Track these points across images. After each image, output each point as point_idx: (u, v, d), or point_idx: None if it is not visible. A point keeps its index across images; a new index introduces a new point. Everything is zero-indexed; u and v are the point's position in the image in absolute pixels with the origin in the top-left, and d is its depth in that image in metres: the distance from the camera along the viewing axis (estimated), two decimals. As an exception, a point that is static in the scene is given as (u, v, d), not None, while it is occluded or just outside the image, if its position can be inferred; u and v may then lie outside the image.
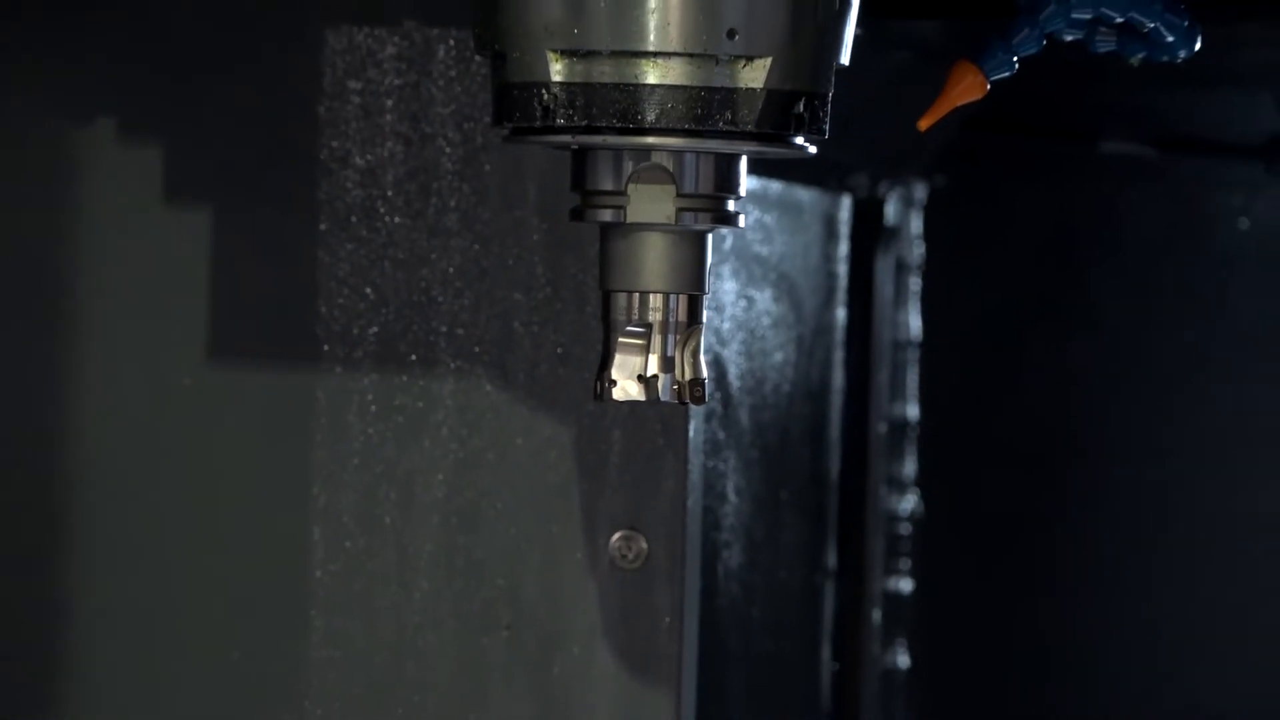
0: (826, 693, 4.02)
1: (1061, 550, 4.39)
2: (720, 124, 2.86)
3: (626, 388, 2.89)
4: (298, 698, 3.45)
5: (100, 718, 3.57)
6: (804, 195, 3.76)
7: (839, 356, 3.96)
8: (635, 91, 2.87)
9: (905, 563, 4.21)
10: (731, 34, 2.84)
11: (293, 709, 3.45)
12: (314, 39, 3.38)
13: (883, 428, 4.06)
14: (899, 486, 4.16)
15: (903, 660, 4.17)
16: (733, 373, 3.56)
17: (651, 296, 2.94)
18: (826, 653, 4.04)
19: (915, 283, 4.14)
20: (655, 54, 2.85)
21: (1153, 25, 3.13)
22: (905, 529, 4.18)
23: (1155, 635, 4.42)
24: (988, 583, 4.31)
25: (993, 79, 3.13)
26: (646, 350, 2.92)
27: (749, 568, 3.73)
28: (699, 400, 2.88)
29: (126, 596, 3.50)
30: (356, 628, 3.45)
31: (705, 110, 2.84)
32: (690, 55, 2.83)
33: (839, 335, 3.96)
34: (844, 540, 4.01)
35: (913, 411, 4.18)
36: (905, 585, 4.18)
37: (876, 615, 4.09)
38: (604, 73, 2.87)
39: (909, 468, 4.18)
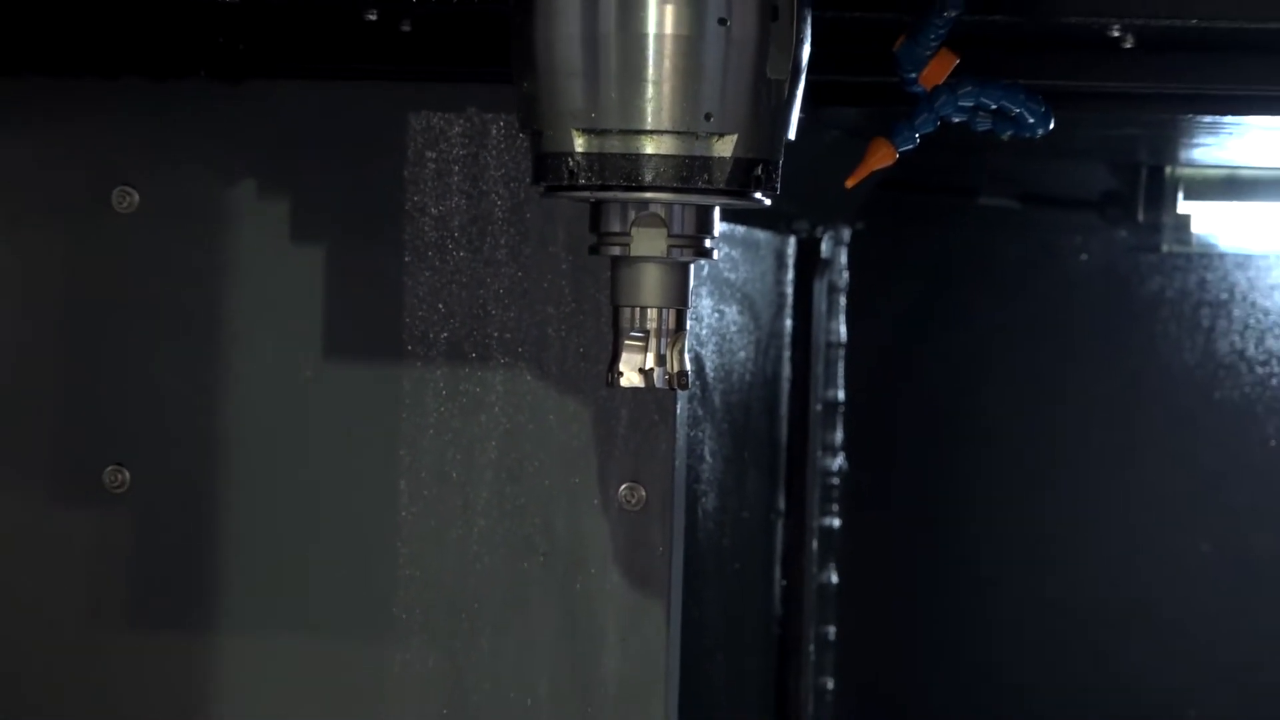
0: (777, 602, 4.06)
1: (953, 495, 4.43)
2: (699, 183, 2.96)
3: (631, 378, 3.00)
4: (388, 605, 3.47)
5: (247, 616, 3.52)
6: (761, 236, 3.82)
7: (786, 355, 4.03)
8: (637, 159, 2.95)
9: (834, 506, 4.26)
10: (708, 117, 2.93)
11: (385, 614, 3.46)
12: (402, 121, 3.44)
13: (819, 407, 4.11)
14: (831, 450, 4.21)
15: (833, 578, 4.19)
16: (708, 366, 3.60)
17: (649, 310, 3.04)
18: (777, 573, 4.09)
19: (842, 300, 4.18)
20: (651, 131, 2.93)
21: (1018, 110, 3.25)
22: (835, 481, 4.23)
23: (1022, 546, 4.45)
24: (896, 521, 4.34)
25: (900, 150, 3.27)
26: (645, 350, 3.03)
27: (720, 509, 3.77)
28: (684, 386, 3.02)
29: (268, 527, 3.51)
30: (431, 555, 3.48)
31: (688, 173, 2.94)
32: (677, 133, 2.93)
33: (786, 339, 4.03)
34: (790, 489, 4.07)
35: (840, 395, 4.22)
36: (835, 523, 4.22)
37: (814, 545, 4.13)
38: (614, 145, 2.95)
39: (838, 436, 4.23)
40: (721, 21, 2.95)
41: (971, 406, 4.42)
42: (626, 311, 3.07)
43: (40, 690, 3.55)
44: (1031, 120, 3.29)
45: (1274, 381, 4.31)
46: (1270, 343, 4.28)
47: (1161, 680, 4.37)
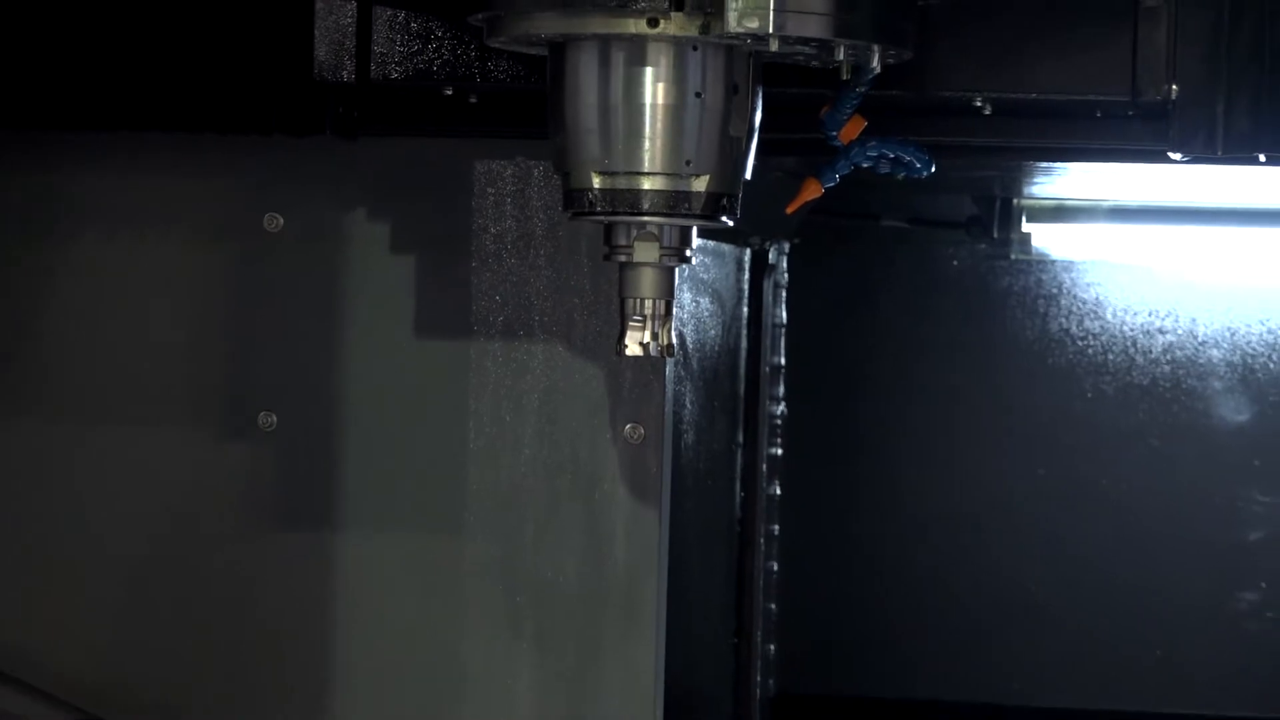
0: (738, 508, 4.03)
1: (865, 430, 4.40)
2: (682, 210, 3.03)
3: (633, 349, 3.07)
4: (461, 511, 3.49)
5: (361, 520, 3.52)
6: (726, 248, 3.82)
7: (744, 332, 3.99)
8: (637, 193, 3.02)
9: (778, 439, 4.20)
10: (688, 163, 3.00)
11: (458, 517, 3.49)
12: (470, 167, 3.48)
13: (767, 369, 4.07)
14: (775, 400, 4.16)
15: (777, 490, 4.16)
16: (689, 341, 3.62)
17: (646, 300, 3.09)
18: (738, 487, 4.05)
19: (783, 294, 4.16)
20: (648, 173, 3.00)
21: (908, 158, 3.27)
22: (779, 422, 4.17)
23: (915, 466, 4.42)
24: (823, 449, 4.29)
25: (825, 186, 3.31)
26: (643, 329, 3.09)
27: (697, 443, 3.75)
28: (671, 355, 3.10)
29: (377, 456, 3.52)
30: (490, 473, 3.48)
31: (674, 203, 3.02)
32: (666, 174, 2.99)
33: (744, 321, 4.00)
34: (746, 428, 4.03)
35: (782, 361, 4.18)
36: (778, 451, 4.17)
37: (763, 467, 4.09)
38: (621, 183, 3.02)
39: (780, 390, 4.18)
40: (698, 95, 3.00)
41: (877, 368, 4.37)
42: (630, 301, 3.11)
43: (204, 581, 3.55)
44: (918, 165, 3.29)
45: (1090, 352, 4.26)
46: (1087, 324, 4.25)
47: (1017, 561, 4.35)
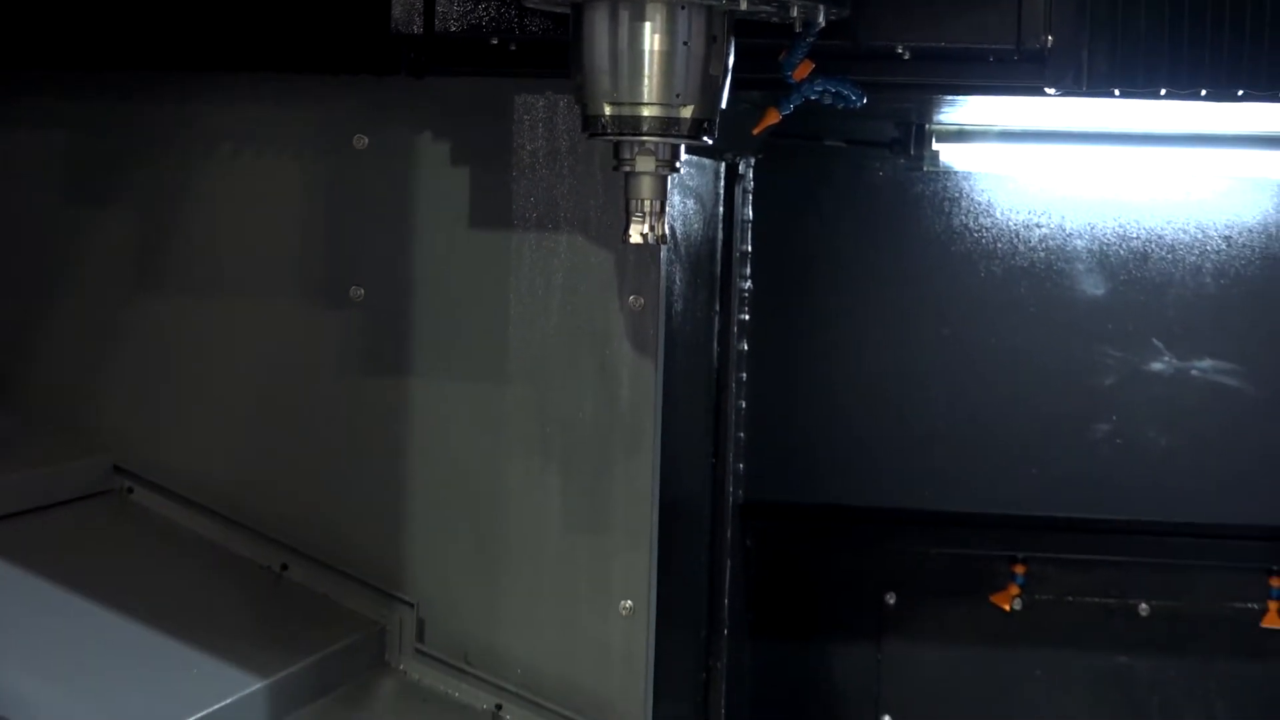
0: (714, 360, 3.98)
1: (812, 301, 4.30)
2: (673, 132, 3.05)
3: (635, 238, 3.07)
4: (504, 362, 3.46)
5: (427, 374, 3.49)
6: (706, 161, 3.77)
7: (720, 226, 3.94)
8: (638, 119, 3.04)
9: (746, 309, 4.13)
10: (677, 95, 3.04)
11: (500, 368, 3.47)
12: (510, 99, 3.47)
13: (737, 254, 4.01)
14: (744, 277, 4.09)
15: (744, 347, 4.10)
16: (678, 233, 3.59)
17: (645, 200, 3.10)
18: (714, 345, 3.98)
19: (750, 197, 4.09)
20: (646, 103, 3.03)
21: (845, 92, 3.31)
22: (746, 295, 4.11)
23: (854, 332, 4.32)
24: (779, 316, 4.21)
25: (782, 114, 3.36)
26: (644, 223, 3.13)
27: (684, 311, 3.70)
28: (664, 242, 3.10)
29: (441, 325, 3.49)
30: (525, 334, 3.46)
31: (666, 126, 3.04)
32: (661, 104, 3.01)
33: (720, 218, 3.93)
34: (722, 299, 3.96)
35: (749, 248, 4.12)
36: (745, 317, 4.11)
37: (734, 329, 4.03)
38: (626, 111, 3.04)
39: (748, 270, 4.11)
40: (685, 44, 3.01)
41: (821, 254, 4.29)
42: (633, 201, 3.12)
43: (309, 410, 3.54)
44: (853, 98, 3.34)
45: (983, 242, 4.23)
46: (981, 220, 4.22)
47: (928, 400, 4.33)
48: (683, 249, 3.67)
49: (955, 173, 4.28)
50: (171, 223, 3.54)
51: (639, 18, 3.03)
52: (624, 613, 3.43)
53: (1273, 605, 4.20)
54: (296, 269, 3.53)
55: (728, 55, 3.11)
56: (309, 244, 3.53)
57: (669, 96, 3.07)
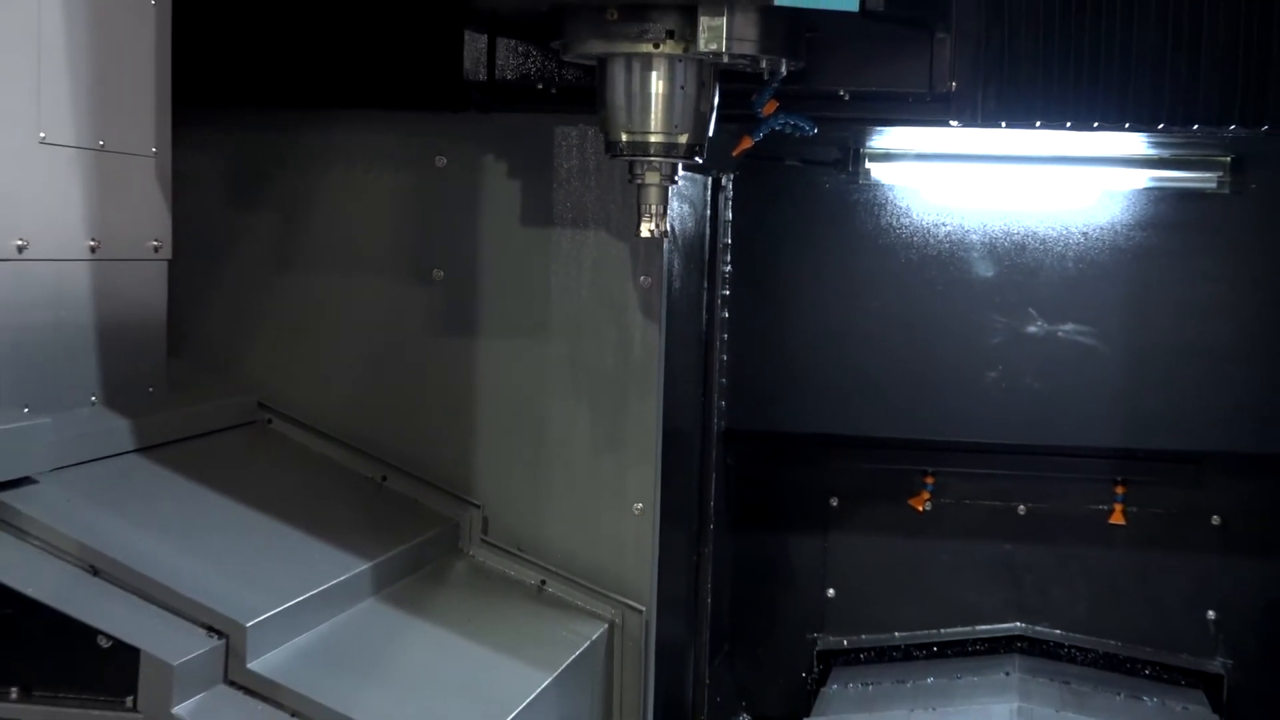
0: (703, 325, 3.91)
1: (782, 280, 4.23)
2: (673, 154, 3.07)
3: (645, 233, 3.10)
4: (547, 324, 3.43)
5: (496, 341, 3.44)
6: (698, 176, 3.72)
7: (708, 225, 3.88)
8: (647, 144, 3.06)
9: (727, 285, 4.04)
10: (676, 126, 3.04)
11: (544, 330, 3.42)
12: (551, 130, 3.43)
13: (720, 246, 3.95)
14: (725, 263, 4.00)
15: (726, 314, 4.02)
16: (676, 229, 3.51)
17: (652, 205, 3.12)
18: (703, 312, 3.92)
19: (730, 203, 4.02)
20: (653, 132, 3.04)
21: (803, 125, 3.32)
22: (727, 273, 4.03)
23: (819, 304, 4.24)
24: (753, 287, 4.12)
25: (754, 141, 3.37)
26: (651, 221, 3.14)
27: (681, 288, 3.65)
28: (666, 236, 3.11)
29: (504, 301, 3.44)
30: (562, 303, 3.42)
31: (668, 150, 3.06)
32: (664, 133, 3.03)
33: (707, 219, 3.87)
34: (709, 278, 3.90)
35: (729, 240, 4.04)
36: (727, 292, 4.03)
37: (719, 300, 3.95)
38: (638, 138, 3.07)
39: (729, 258, 4.04)
40: (681, 87, 3.05)
41: (783, 246, 4.19)
42: (643, 206, 3.14)
43: (403, 364, 3.47)
44: (807, 129, 3.35)
45: (904, 238, 4.17)
46: (902, 221, 4.17)
47: (867, 353, 4.25)
48: (680, 241, 3.65)
49: (883, 185, 4.25)
50: (303, 220, 3.52)
51: (647, 69, 3.06)
52: (636, 512, 3.42)
53: (1117, 507, 4.18)
54: (393, 255, 3.49)
55: (714, 96, 3.15)
56: (402, 237, 3.49)
57: (670, 127, 3.10)
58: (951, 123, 3.35)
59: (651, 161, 3.11)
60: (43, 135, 2.67)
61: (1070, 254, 4.19)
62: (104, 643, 2.28)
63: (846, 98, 3.38)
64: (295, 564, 2.83)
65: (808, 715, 4.03)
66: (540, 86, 3.43)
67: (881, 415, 4.23)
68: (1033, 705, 3.72)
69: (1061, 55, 3.24)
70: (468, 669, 2.86)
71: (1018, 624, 4.22)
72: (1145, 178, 4.09)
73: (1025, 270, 4.21)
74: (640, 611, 3.37)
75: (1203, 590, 4.10)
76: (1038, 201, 4.21)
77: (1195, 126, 3.21)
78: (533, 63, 3.43)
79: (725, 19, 2.90)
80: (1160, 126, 3.25)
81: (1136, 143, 3.87)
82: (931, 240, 4.26)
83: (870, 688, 4.09)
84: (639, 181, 3.15)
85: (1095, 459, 4.15)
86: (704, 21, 2.90)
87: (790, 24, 3.00)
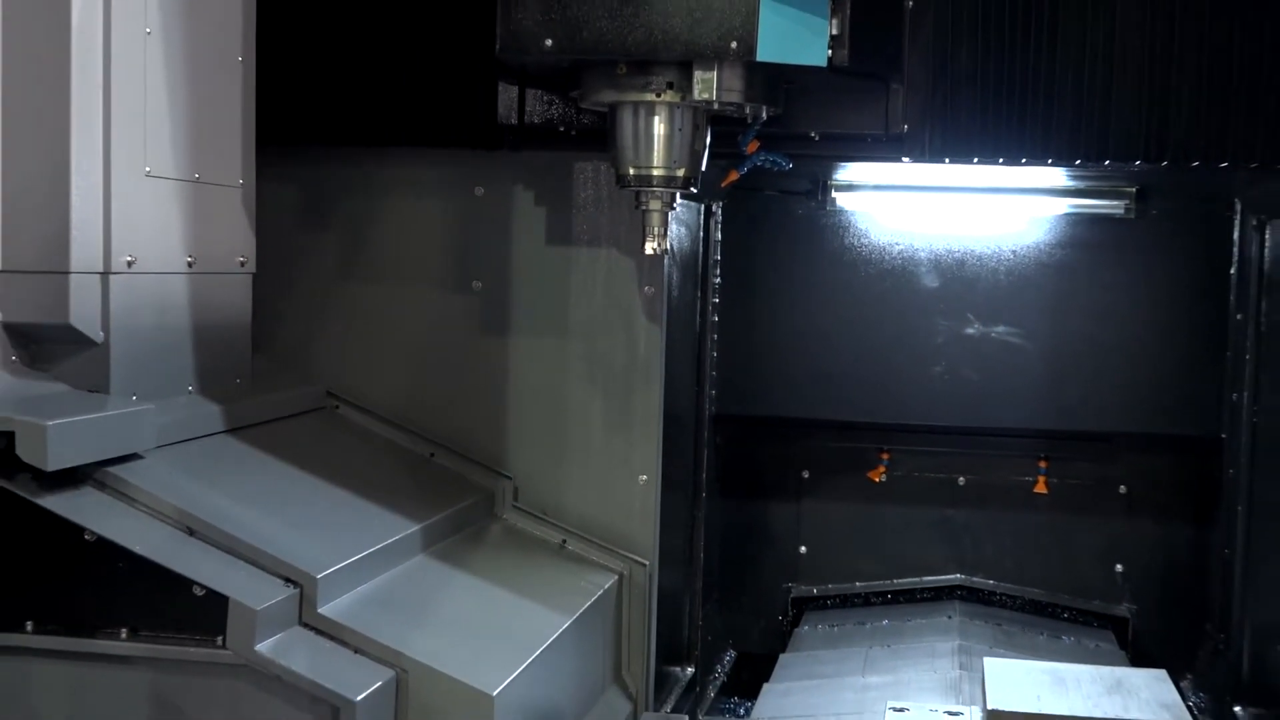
0: (697, 326, 3.86)
1: (762, 289, 4.16)
2: (671, 185, 3.05)
3: (649, 250, 3.08)
4: (567, 326, 3.39)
5: (517, 346, 3.39)
6: (692, 203, 3.68)
7: (700, 245, 3.82)
8: (650, 176, 3.03)
9: (716, 294, 3.97)
10: (675, 161, 3.02)
11: (565, 330, 3.38)
12: (571, 166, 3.39)
13: (711, 261, 3.91)
14: (715, 274, 3.94)
15: (716, 318, 3.98)
16: (674, 247, 3.47)
17: (655, 227, 3.09)
18: (697, 316, 3.86)
19: (719, 227, 3.95)
20: (655, 167, 3.02)
21: (781, 161, 3.29)
22: (717, 283, 3.95)
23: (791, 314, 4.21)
24: (740, 296, 4.06)
25: (740, 174, 3.33)
26: (654, 240, 3.12)
27: (679, 295, 3.60)
28: (666, 253, 3.08)
29: (535, 306, 3.40)
30: (580, 309, 3.37)
31: (667, 182, 3.03)
32: (664, 167, 3.00)
33: (700, 239, 3.82)
34: (702, 285, 3.84)
35: (719, 256, 3.96)
36: (717, 300, 3.96)
37: (710, 307, 3.91)
38: (644, 172, 3.04)
39: (718, 272, 3.96)
40: (679, 130, 3.03)
41: (764, 263, 4.12)
42: (647, 228, 3.11)
43: (448, 360, 3.45)
44: (784, 164, 3.32)
45: (864, 255, 4.12)
46: (863, 240, 4.12)
47: (833, 347, 4.18)
48: (678, 258, 3.61)
49: (846, 211, 4.21)
50: (364, 239, 3.50)
51: (650, 114, 3.06)
52: (641, 483, 3.39)
53: (1040, 479, 4.14)
54: (439, 269, 3.46)
55: (706, 137, 3.13)
56: (448, 252, 3.46)
57: (669, 163, 3.09)
58: (903, 159, 3.33)
59: (654, 191, 3.10)
60: (149, 170, 2.72)
61: (1002, 268, 4.16)
62: (198, 592, 2.31)
63: (816, 138, 3.37)
64: (357, 525, 2.83)
65: (784, 651, 4.03)
66: (562, 129, 3.40)
67: (845, 402, 4.21)
68: (970, 643, 3.72)
69: (995, 103, 3.23)
70: (501, 613, 2.87)
71: (958, 576, 4.20)
72: (1064, 205, 4.08)
73: (964, 282, 4.17)
74: (645, 565, 3.36)
75: (1111, 547, 4.09)
76: (975, 225, 4.18)
77: (1107, 162, 3.21)
78: (555, 109, 3.40)
79: (715, 73, 2.90)
80: (1078, 162, 3.25)
81: (1057, 175, 3.88)
82: (886, 257, 4.23)
83: (835, 628, 4.10)
84: (644, 208, 3.14)
85: (1022, 439, 4.08)
86: (698, 75, 2.90)
87: (769, 77, 2.99)
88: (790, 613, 4.28)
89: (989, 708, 2.13)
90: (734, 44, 2.79)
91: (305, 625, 2.43)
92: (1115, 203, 4.01)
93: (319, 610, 2.45)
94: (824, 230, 4.22)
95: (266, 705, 2.27)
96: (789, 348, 4.24)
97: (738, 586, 4.30)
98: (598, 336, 3.39)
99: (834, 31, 2.77)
